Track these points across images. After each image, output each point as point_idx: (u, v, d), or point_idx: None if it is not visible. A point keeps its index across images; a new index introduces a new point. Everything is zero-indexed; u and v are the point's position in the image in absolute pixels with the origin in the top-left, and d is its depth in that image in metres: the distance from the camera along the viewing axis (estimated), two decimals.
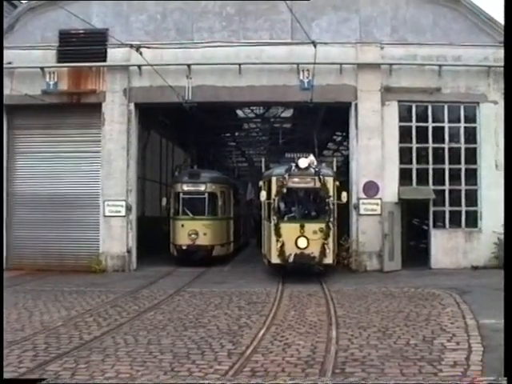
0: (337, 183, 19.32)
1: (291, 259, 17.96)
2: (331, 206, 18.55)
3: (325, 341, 10.28)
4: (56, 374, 8.29)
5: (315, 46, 16.84)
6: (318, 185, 18.68)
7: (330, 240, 18.36)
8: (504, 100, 4.83)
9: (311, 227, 18.25)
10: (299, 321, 12.12)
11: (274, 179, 19.02)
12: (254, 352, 9.55)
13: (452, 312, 12.71)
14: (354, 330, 11.19)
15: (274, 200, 18.69)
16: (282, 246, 18.13)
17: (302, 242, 18.06)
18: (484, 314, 12.19)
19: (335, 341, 10.23)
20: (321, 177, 18.59)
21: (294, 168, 18.68)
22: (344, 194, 18.88)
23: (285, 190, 18.82)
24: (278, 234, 18.29)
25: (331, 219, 18.47)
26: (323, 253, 18.07)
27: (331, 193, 18.63)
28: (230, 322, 12.04)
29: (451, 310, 12.98)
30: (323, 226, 18.23)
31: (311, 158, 19.13)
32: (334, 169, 20.70)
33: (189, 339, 10.42)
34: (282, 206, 19.02)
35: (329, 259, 18.29)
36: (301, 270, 18.08)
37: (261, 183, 20.47)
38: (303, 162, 18.64)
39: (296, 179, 18.85)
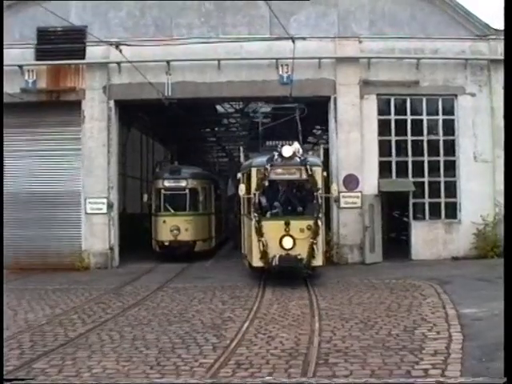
0: (325, 174, 17.61)
1: (275, 262, 15.84)
2: (320, 200, 16.52)
3: (308, 333, 10.42)
4: (43, 371, 8.36)
5: (294, 42, 16.98)
6: (304, 176, 16.62)
7: (320, 239, 16.43)
8: (504, 98, 4.93)
9: (298, 225, 16.18)
10: (282, 314, 12.24)
11: (253, 170, 16.83)
12: (239, 345, 9.67)
13: (433, 302, 12.91)
14: (337, 321, 11.35)
15: (255, 194, 16.50)
16: (265, 246, 16.09)
17: (288, 242, 16.03)
18: (464, 303, 12.42)
19: (318, 332, 10.37)
20: (308, 167, 16.45)
21: (276, 157, 16.58)
22: (334, 187, 17.63)
23: (267, 183, 16.70)
24: (260, 233, 16.19)
25: (320, 215, 16.48)
26: (311, 254, 16.07)
27: (320, 185, 16.61)
28: (213, 316, 12.14)
29: (432, 300, 13.18)
30: (311, 223, 16.20)
31: (296, 145, 17.06)
32: (321, 158, 18.83)
33: (173, 334, 10.52)
34: (264, 200, 16.78)
35: (318, 261, 16.36)
36: (286, 274, 16.13)
37: (239, 175, 18.57)
38: (287, 151, 16.50)
39: (279, 170, 16.76)
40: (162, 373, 8.22)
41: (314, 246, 16.10)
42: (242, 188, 17.22)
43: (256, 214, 16.39)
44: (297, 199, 17.33)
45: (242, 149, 20.94)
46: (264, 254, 16.09)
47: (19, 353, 9.43)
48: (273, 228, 16.22)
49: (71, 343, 10.00)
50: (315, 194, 16.47)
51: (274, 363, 8.59)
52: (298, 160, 16.62)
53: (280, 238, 16.06)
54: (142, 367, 8.48)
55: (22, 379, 7.50)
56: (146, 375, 8.12)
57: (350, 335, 10.19)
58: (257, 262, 16.38)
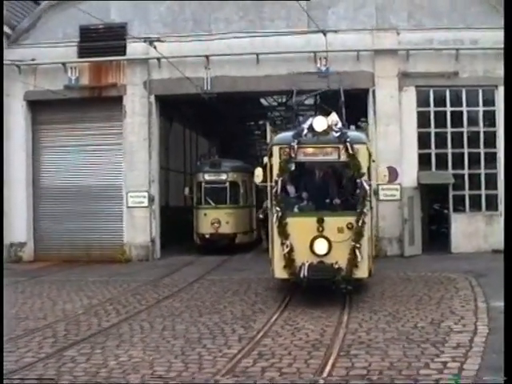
0: (373, 158, 14.20)
1: (304, 273, 12.10)
2: (365, 189, 12.57)
3: (335, 324, 10.54)
4: (72, 359, 8.70)
5: (325, 35, 17.01)
6: (343, 157, 12.55)
7: (365, 241, 12.43)
8: (504, 96, 4.96)
9: (335, 222, 12.35)
10: (313, 305, 12.31)
11: (275, 150, 12.82)
12: (264, 336, 9.86)
13: (465, 295, 12.88)
14: (366, 313, 11.42)
15: (277, 182, 12.59)
16: (290, 251, 12.32)
17: (321, 246, 12.27)
18: (496, 296, 12.20)
19: (345, 324, 10.49)
20: (348, 144, 12.38)
21: (306, 132, 12.61)
22: (384, 171, 13.78)
23: (293, 167, 12.92)
24: (284, 234, 12.41)
25: (365, 209, 12.48)
26: (353, 262, 12.19)
27: (364, 168, 12.62)
28: (244, 307, 12.37)
29: (464, 293, 13.14)
30: (353, 220, 12.29)
31: (333, 117, 12.95)
32: (369, 137, 15.40)
33: (202, 325, 10.77)
34: (291, 190, 13.23)
35: (362, 271, 12.39)
36: (318, 289, 12.65)
37: (266, 160, 14.05)
38: (320, 123, 12.54)
39: (310, 149, 12.78)
40: (185, 362, 8.47)
41: (357, 252, 12.20)
42: (259, 173, 13.25)
43: (278, 208, 12.58)
44: (334, 188, 13.40)
45: (268, 126, 16.27)
46: (289, 262, 12.35)
47: (53, 341, 9.86)
48: (301, 227, 12.46)
49: (103, 332, 10.38)
50: (358, 180, 12.50)
51: (295, 354, 8.75)
52: (336, 135, 12.59)
53: (311, 240, 12.30)
54: (167, 357, 8.75)
55: (23, 379, 7.81)
56: (170, 364, 8.38)
57: (376, 327, 10.28)
58: (280, 273, 12.65)
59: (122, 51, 21.59)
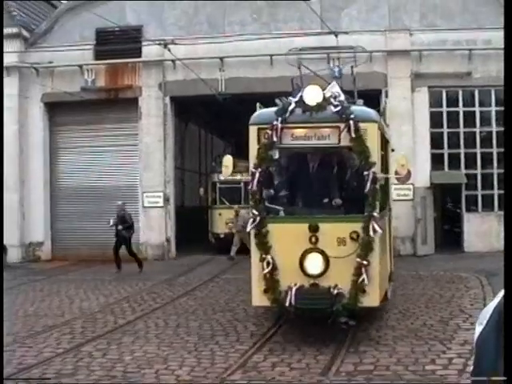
0: (392, 146, 11.80)
1: (290, 300, 8.94)
2: (373, 183, 9.01)
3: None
4: (89, 354, 9.00)
5: (336, 36, 17.16)
6: (345, 140, 9.14)
7: (375, 256, 9.04)
8: (504, 96, 5.17)
9: (334, 231, 9.10)
10: None
11: (252, 131, 9.62)
12: (275, 333, 10.08)
13: (475, 294, 13.02)
14: (376, 311, 11.52)
15: (254, 175, 9.27)
16: (273, 270, 9.13)
17: (315, 263, 9.03)
18: None
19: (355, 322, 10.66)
20: (351, 123, 8.96)
21: (293, 106, 9.26)
22: (401, 159, 9.95)
23: (276, 154, 9.77)
24: (264, 247, 9.20)
25: (375, 213, 8.98)
26: (359, 286, 8.89)
27: (374, 156, 9.09)
28: None
29: (474, 292, 13.29)
30: (359, 227, 8.94)
31: (333, 88, 9.77)
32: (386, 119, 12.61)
33: (216, 322, 11.04)
34: (274, 186, 10.23)
35: (371, 298, 9.09)
36: (310, 320, 9.86)
37: None
38: (313, 94, 9.12)
39: (299, 131, 9.44)
40: (197, 357, 8.73)
41: (365, 271, 8.85)
42: (228, 163, 10.07)
43: (256, 212, 9.31)
44: (333, 184, 9.93)
45: (258, 106, 10.74)
46: (271, 285, 9.15)
47: (70, 337, 10.16)
48: (287, 237, 9.21)
49: (119, 329, 10.67)
50: (366, 173, 9.03)
51: (305, 350, 8.97)
52: (334, 110, 9.13)
53: (301, 255, 9.06)
54: (181, 352, 9.02)
55: (24, 379, 8.06)
56: (183, 359, 8.64)
57: (385, 325, 10.48)
58: (259, 299, 9.49)
59: (138, 53, 21.95)
